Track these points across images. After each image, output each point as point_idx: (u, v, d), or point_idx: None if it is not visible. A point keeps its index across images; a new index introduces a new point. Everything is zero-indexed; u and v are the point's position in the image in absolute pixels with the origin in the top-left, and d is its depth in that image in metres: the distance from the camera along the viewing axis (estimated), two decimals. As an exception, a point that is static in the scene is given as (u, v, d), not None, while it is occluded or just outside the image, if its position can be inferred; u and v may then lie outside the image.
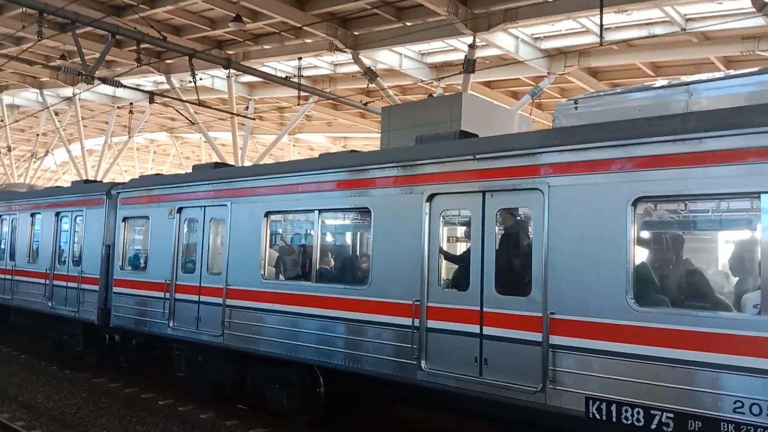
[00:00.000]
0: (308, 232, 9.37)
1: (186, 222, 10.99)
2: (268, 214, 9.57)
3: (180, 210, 11.00)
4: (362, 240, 9.20)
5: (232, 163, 25.13)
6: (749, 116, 5.53)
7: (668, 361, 5.64)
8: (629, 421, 5.83)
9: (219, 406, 10.38)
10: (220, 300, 9.92)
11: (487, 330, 6.88)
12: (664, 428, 5.63)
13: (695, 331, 5.53)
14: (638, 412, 5.79)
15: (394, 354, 7.62)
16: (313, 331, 8.59)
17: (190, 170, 12.23)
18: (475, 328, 6.96)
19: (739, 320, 5.42)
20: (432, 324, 7.34)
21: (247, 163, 27.68)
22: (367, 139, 32.05)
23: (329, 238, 9.76)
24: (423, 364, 7.33)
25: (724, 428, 5.28)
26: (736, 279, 6.00)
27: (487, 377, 6.82)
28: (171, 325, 10.73)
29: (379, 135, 10.75)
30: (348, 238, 9.93)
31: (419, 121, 10.33)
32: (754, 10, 12.88)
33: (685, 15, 15.48)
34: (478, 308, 6.96)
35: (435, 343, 7.30)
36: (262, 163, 26.86)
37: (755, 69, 6.75)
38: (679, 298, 6.02)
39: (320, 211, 8.96)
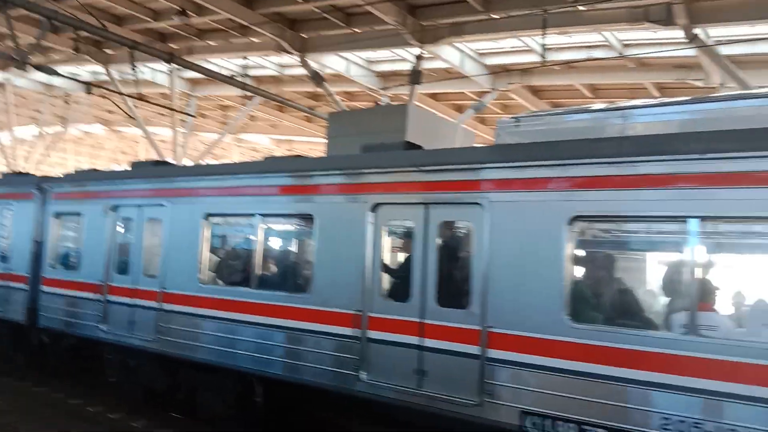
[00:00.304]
0: (249, 236, 9.22)
1: (121, 221, 10.63)
2: (207, 216, 9.37)
3: (115, 208, 10.64)
4: (305, 247, 9.12)
5: (172, 160, 24.51)
6: (680, 144, 5.79)
7: (600, 377, 5.82)
8: (562, 436, 5.98)
9: (151, 414, 10.05)
10: (155, 304, 9.63)
11: (427, 342, 6.93)
12: (596, 443, 5.80)
13: (626, 349, 5.73)
14: (571, 428, 5.95)
15: (334, 364, 7.58)
16: (251, 338, 8.44)
17: (127, 166, 11.86)
18: (415, 340, 7.01)
19: (667, 339, 5.65)
20: (373, 334, 7.34)
21: (188, 162, 27.06)
22: (313, 143, 31.84)
23: (271, 244, 9.62)
24: (363, 374, 7.32)
25: (651, 443, 5.49)
26: (665, 299, 6.26)
27: (426, 389, 6.87)
28: (103, 327, 10.35)
29: (324, 140, 10.68)
30: (290, 244, 9.83)
31: (365, 129, 10.30)
32: (686, 40, 13.51)
33: (622, 41, 16.07)
34: (419, 320, 7.01)
35: (375, 353, 7.30)
36: (203, 162, 26.32)
37: (687, 98, 7.09)
38: (612, 315, 6.23)
39: (262, 215, 8.83)
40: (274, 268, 9.27)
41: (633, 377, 5.64)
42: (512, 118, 7.38)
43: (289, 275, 8.96)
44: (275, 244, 9.77)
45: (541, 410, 6.11)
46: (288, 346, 8.08)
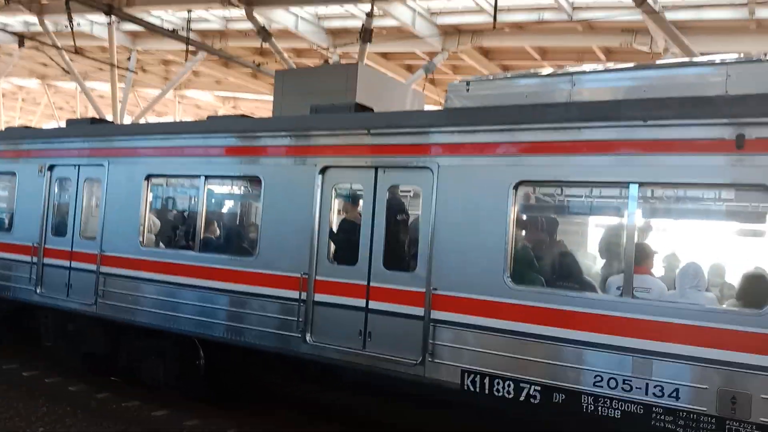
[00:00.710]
0: (193, 198, 9.02)
1: (57, 181, 10.22)
2: (149, 177, 9.10)
3: (51, 168, 10.22)
4: (251, 210, 8.99)
5: (110, 116, 23.61)
6: (623, 110, 5.90)
7: (539, 337, 6.00)
8: (500, 393, 6.17)
9: (90, 379, 9.88)
10: (93, 267, 9.36)
11: (373, 304, 6.99)
12: (532, 400, 6.01)
13: (564, 310, 5.91)
14: (509, 385, 6.14)
15: (279, 327, 7.57)
16: (195, 302, 8.34)
17: (63, 123, 11.35)
18: (361, 302, 7.06)
19: (603, 301, 5.85)
20: (319, 297, 7.35)
21: (128, 119, 26.13)
22: (259, 101, 31.17)
23: (215, 207, 9.44)
24: (308, 337, 7.35)
25: (584, 400, 5.72)
26: (603, 262, 6.47)
27: (371, 350, 6.96)
28: (38, 291, 10.03)
29: (271, 98, 10.46)
30: (236, 207, 9.67)
31: (314, 89, 10.14)
32: (634, 4, 13.70)
33: (572, 3, 16.20)
34: (365, 283, 7.05)
35: (321, 316, 7.33)
36: (144, 119, 25.47)
37: (632, 64, 7.21)
38: (552, 278, 6.41)
39: (207, 177, 8.63)
40: (218, 231, 9.12)
41: (570, 337, 5.84)
42: (462, 81, 7.36)
43: (234, 238, 8.83)
44: (220, 206, 9.60)
45: (481, 369, 6.27)
46: (233, 309, 8.02)
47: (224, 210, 9.60)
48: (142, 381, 9.34)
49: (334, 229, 7.54)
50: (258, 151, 8.18)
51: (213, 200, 9.31)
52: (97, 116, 21.69)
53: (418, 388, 6.84)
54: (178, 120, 31.19)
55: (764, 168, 5.12)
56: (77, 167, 9.89)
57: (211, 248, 8.63)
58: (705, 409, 5.20)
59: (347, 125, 7.54)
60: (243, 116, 9.05)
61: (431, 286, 6.61)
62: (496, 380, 6.21)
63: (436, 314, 6.57)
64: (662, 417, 5.36)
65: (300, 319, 7.39)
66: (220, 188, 9.50)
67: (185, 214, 9.37)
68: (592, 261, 6.65)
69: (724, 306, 5.72)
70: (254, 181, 8.33)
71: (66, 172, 10.09)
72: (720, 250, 6.21)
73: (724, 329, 5.17)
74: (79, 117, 29.55)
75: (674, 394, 5.33)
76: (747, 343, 5.06)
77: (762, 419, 4.99)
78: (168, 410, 8.77)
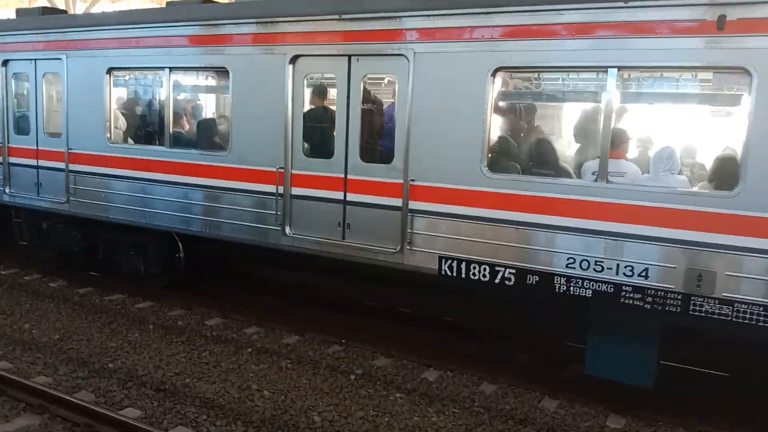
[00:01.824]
0: (159, 92, 8.70)
1: (14, 77, 9.75)
2: (111, 70, 8.72)
3: (5, 63, 9.70)
4: (221, 103, 8.73)
5: (62, 6, 22.23)
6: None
7: (514, 223, 6.14)
8: (476, 277, 6.40)
9: (70, 275, 9.95)
10: (62, 165, 9.16)
11: (351, 196, 7.02)
12: (506, 282, 6.26)
13: (539, 197, 6.02)
14: (484, 269, 6.36)
15: (258, 220, 7.61)
16: (170, 198, 8.28)
17: (7, 13, 10.63)
18: (339, 195, 7.08)
19: (578, 186, 5.96)
20: (296, 191, 7.34)
21: (81, 7, 24.62)
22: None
23: (183, 100, 9.14)
24: (288, 229, 7.42)
25: (557, 281, 5.97)
26: (579, 148, 6.52)
27: (350, 240, 7.07)
28: (7, 191, 9.83)
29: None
30: (204, 100, 9.37)
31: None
32: None
33: None
34: (343, 176, 7.04)
35: (299, 209, 7.36)
36: (97, 8, 24.03)
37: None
38: (528, 165, 6.47)
39: (171, 69, 8.29)
40: (188, 126, 8.89)
41: (545, 222, 5.99)
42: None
43: (205, 133, 8.62)
44: (188, 99, 9.29)
45: (457, 255, 6.45)
46: (209, 204, 7.99)
47: (193, 104, 9.30)
48: (122, 275, 9.45)
49: (309, 122, 7.38)
50: (223, 39, 7.82)
51: (180, 93, 9.00)
52: (49, 4, 20.38)
53: (396, 274, 7.04)
54: (133, 7, 29.44)
55: (744, 50, 5.08)
56: (34, 62, 9.40)
57: (182, 143, 8.46)
58: (672, 286, 5.48)
59: (317, 10, 7.18)
60: (205, 1, 8.55)
61: (408, 177, 6.63)
62: (472, 265, 6.41)
63: (414, 204, 6.65)
64: (631, 295, 5.64)
65: (278, 213, 7.42)
66: (186, 80, 9.17)
67: (152, 108, 9.07)
68: (568, 147, 6.70)
69: (696, 188, 5.86)
70: (221, 72, 8.03)
71: (22, 67, 9.60)
72: (695, 133, 6.29)
73: (696, 211, 5.34)
74: (28, 5, 27.69)
75: (644, 274, 5.58)
76: (716, 224, 5.25)
77: (724, 294, 5.29)
78: (151, 302, 8.98)
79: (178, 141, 8.46)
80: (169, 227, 8.45)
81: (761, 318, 5.21)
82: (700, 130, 6.24)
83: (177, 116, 8.65)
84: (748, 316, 5.25)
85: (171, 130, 8.40)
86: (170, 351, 7.32)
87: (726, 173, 5.47)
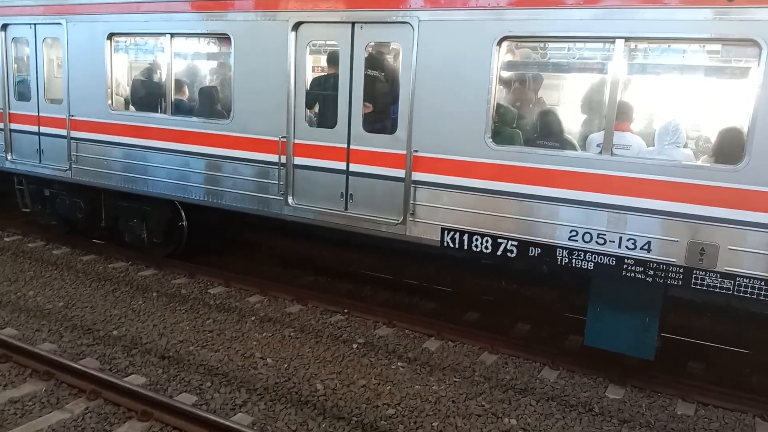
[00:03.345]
0: (160, 58, 8.60)
1: (13, 42, 9.63)
2: (111, 36, 8.61)
3: (4, 27, 9.57)
4: (223, 70, 8.63)
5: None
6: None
7: (518, 195, 6.12)
8: (479, 249, 6.41)
9: (73, 242, 10.00)
10: (63, 132, 9.12)
11: (354, 167, 6.99)
12: (509, 254, 6.26)
13: (544, 169, 5.99)
14: (487, 241, 6.36)
15: (260, 190, 7.60)
16: (171, 166, 8.26)
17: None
18: (341, 165, 7.05)
19: (582, 158, 5.92)
20: (299, 161, 7.31)
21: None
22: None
23: (185, 67, 9.04)
24: (290, 199, 7.41)
25: (559, 253, 5.98)
26: (584, 120, 6.46)
27: (353, 211, 7.07)
28: (9, 158, 9.81)
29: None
30: (206, 67, 9.25)
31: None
32: None
33: None
34: (345, 146, 7.00)
35: (302, 179, 7.34)
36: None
37: None
38: (533, 137, 6.41)
39: (172, 35, 8.19)
40: (189, 93, 8.81)
41: (548, 194, 5.96)
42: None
43: (207, 101, 8.55)
44: (190, 66, 9.18)
45: (460, 226, 6.45)
46: (211, 173, 7.97)
47: (195, 70, 9.20)
48: (125, 243, 9.49)
49: (311, 91, 7.32)
50: (225, 5, 7.69)
51: (182, 60, 8.90)
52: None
53: (399, 245, 7.06)
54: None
55: (753, 22, 4.99)
56: (33, 26, 9.28)
57: (184, 111, 8.40)
58: (674, 260, 5.48)
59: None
60: (207, -33, 8.39)
61: (412, 147, 6.59)
62: (475, 236, 6.41)
63: (417, 175, 6.62)
64: (633, 268, 5.65)
65: (281, 182, 7.41)
66: (188, 47, 9.05)
67: (153, 75, 8.98)
68: (573, 119, 6.62)
69: (701, 162, 5.82)
70: (224, 39, 7.93)
71: (21, 32, 9.47)
72: (701, 106, 6.21)
73: (700, 185, 5.32)
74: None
75: (646, 247, 5.58)
76: (720, 198, 5.23)
77: (726, 268, 5.30)
78: (155, 270, 9.04)
79: (179, 108, 8.39)
80: (170, 195, 8.44)
81: (763, 292, 5.23)
82: (706, 103, 6.16)
83: (178, 83, 8.56)
84: (749, 289, 5.26)
85: (173, 98, 8.33)
86: (174, 319, 7.39)
87: (732, 147, 5.42)
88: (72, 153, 9.10)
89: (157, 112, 8.56)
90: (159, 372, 6.06)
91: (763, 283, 5.21)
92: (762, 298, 5.25)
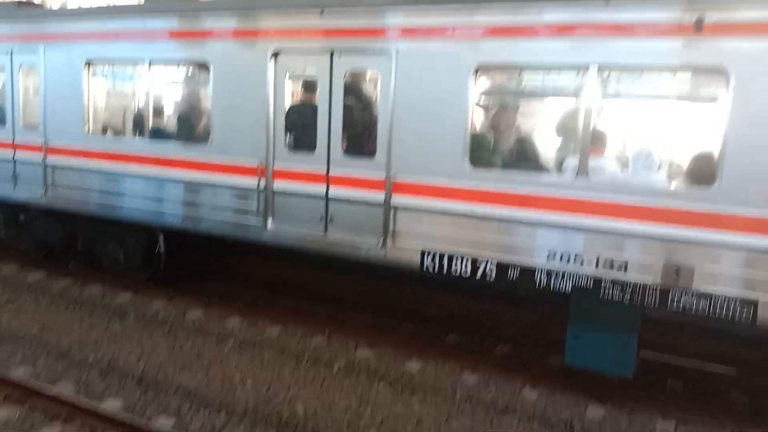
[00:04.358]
0: (138, 84, 8.61)
1: (-11, 67, 9.56)
2: (89, 62, 8.61)
3: (-20, 52, 9.51)
4: (201, 96, 8.67)
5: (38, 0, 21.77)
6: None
7: (496, 218, 6.24)
8: (458, 271, 6.49)
9: (48, 267, 9.84)
10: (39, 157, 9.03)
11: (333, 191, 7.06)
12: (487, 276, 6.35)
13: (521, 192, 6.12)
14: (466, 263, 6.45)
15: (239, 214, 7.61)
16: (149, 191, 8.24)
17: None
18: (321, 189, 7.11)
19: (559, 182, 6.07)
20: (278, 185, 7.36)
21: (57, 2, 24.09)
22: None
23: (164, 93, 9.05)
24: (269, 224, 7.43)
25: (538, 275, 6.09)
26: (560, 144, 6.63)
27: (332, 234, 7.12)
28: (-18, 183, 9.67)
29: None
30: (185, 93, 9.28)
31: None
32: None
33: None
34: (325, 170, 7.07)
35: (281, 203, 7.38)
36: (73, 3, 23.52)
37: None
38: (510, 161, 6.56)
39: (151, 61, 8.22)
40: (168, 119, 8.82)
41: (526, 217, 6.09)
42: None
43: (186, 126, 8.57)
44: (168, 93, 9.20)
45: (439, 249, 6.54)
46: (189, 197, 7.96)
47: (173, 97, 9.22)
48: (101, 268, 9.37)
49: (291, 116, 7.39)
50: (204, 34, 7.78)
51: (160, 86, 8.92)
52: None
53: (378, 268, 7.11)
54: (111, 2, 28.95)
55: (721, 51, 5.23)
56: (10, 53, 9.24)
57: (162, 136, 8.40)
58: (651, 280, 5.63)
59: (298, 4, 7.19)
60: (187, -6, 8.49)
61: (391, 171, 6.69)
62: (454, 259, 6.49)
63: (396, 199, 6.71)
64: (611, 289, 5.78)
65: (260, 207, 7.43)
66: (166, 73, 9.08)
67: (132, 101, 8.97)
68: (549, 144, 6.80)
69: (674, 185, 6.01)
70: (202, 66, 7.99)
71: (-3, 58, 9.42)
72: (674, 131, 6.43)
73: (674, 206, 5.48)
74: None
75: (623, 268, 5.72)
76: (694, 219, 5.40)
77: (702, 288, 5.45)
78: (132, 294, 8.92)
79: (158, 134, 8.40)
80: (148, 220, 8.40)
81: (738, 310, 5.38)
82: (678, 128, 6.38)
83: (157, 109, 8.58)
84: (725, 309, 5.41)
85: (151, 123, 8.34)
86: (151, 342, 7.31)
87: (703, 170, 5.61)
88: (47, 178, 9.01)
89: (135, 136, 8.55)
90: (136, 396, 5.98)
91: (738, 301, 5.37)
92: (737, 316, 5.40)
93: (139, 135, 8.47)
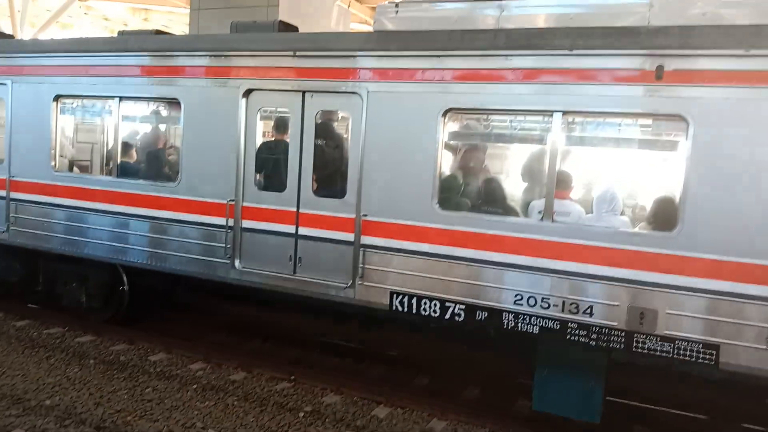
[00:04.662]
0: (108, 121, 8.55)
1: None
2: (58, 97, 8.53)
3: (-56, 86, 9.36)
4: (172, 134, 8.64)
5: (9, 28, 21.73)
6: (550, 38, 5.96)
7: (464, 260, 6.24)
8: (427, 312, 6.45)
9: (5, 306, 9.53)
10: (2, 192, 8.85)
11: (303, 230, 7.02)
12: (456, 318, 6.32)
13: (488, 234, 6.14)
14: (435, 305, 6.42)
15: (207, 253, 7.50)
16: (115, 229, 8.09)
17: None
18: (290, 229, 7.06)
19: (525, 225, 6.12)
20: (247, 224, 7.29)
21: (29, 31, 24.09)
22: (173, 14, 29.28)
23: (133, 130, 8.99)
24: (237, 263, 7.33)
25: (505, 317, 6.07)
26: (526, 188, 6.70)
27: (301, 274, 7.04)
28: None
29: (187, 10, 9.86)
30: (155, 130, 9.23)
31: (234, 2, 9.62)
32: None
33: None
34: (295, 209, 7.03)
35: (250, 242, 7.30)
36: (47, 32, 23.56)
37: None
38: (478, 203, 6.61)
39: (121, 98, 8.18)
40: (137, 156, 8.74)
41: (493, 259, 6.11)
42: (391, 3, 7.17)
43: (155, 163, 8.50)
44: (138, 129, 9.14)
45: (408, 290, 6.50)
46: (156, 236, 7.84)
47: (142, 134, 9.16)
48: (63, 308, 9.12)
49: (261, 155, 7.37)
50: (176, 71, 7.78)
51: (130, 123, 8.86)
52: (-8, 27, 19.81)
53: (348, 309, 7.03)
54: (83, 35, 29.00)
55: (680, 99, 5.37)
56: (-25, 86, 9.12)
57: (130, 174, 8.30)
58: (616, 323, 5.64)
59: (271, 46, 7.26)
60: (158, 32, 8.50)
61: (361, 212, 6.68)
62: (423, 300, 6.46)
63: (366, 239, 6.68)
64: (577, 332, 5.78)
65: (228, 246, 7.34)
66: (136, 110, 9.04)
67: (101, 137, 8.90)
68: (516, 187, 6.87)
69: (637, 229, 6.09)
70: (173, 103, 7.97)
71: (-38, 91, 9.28)
72: (636, 176, 6.55)
73: (637, 251, 5.54)
74: (-31, 27, 26.85)
75: (588, 311, 5.73)
76: (656, 264, 5.46)
77: (666, 331, 5.48)
78: (92, 336, 8.67)
79: (125, 171, 8.30)
80: (112, 258, 8.23)
81: (701, 354, 5.40)
82: (641, 172, 6.51)
83: (126, 146, 8.51)
84: (688, 352, 5.43)
85: (119, 160, 8.26)
86: (111, 387, 7.07)
87: (665, 215, 5.71)
88: (10, 215, 8.82)
89: (102, 174, 8.45)
90: (93, 445, 5.75)
91: (700, 345, 5.40)
92: (701, 360, 5.42)
93: (107, 172, 8.36)
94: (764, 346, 5.21)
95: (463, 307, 6.29)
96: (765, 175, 5.15)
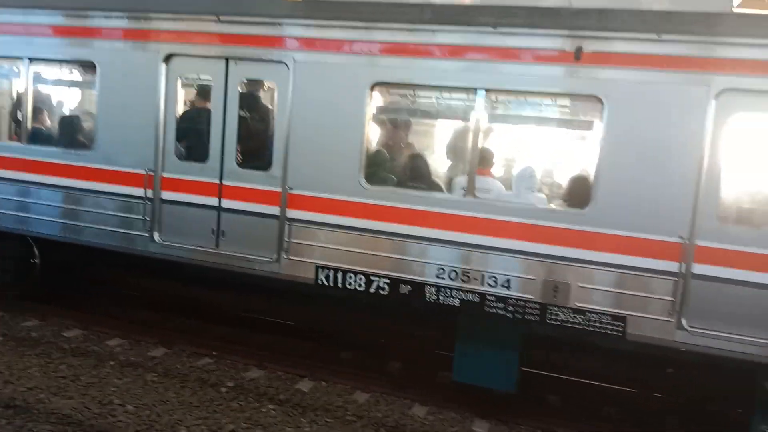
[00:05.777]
0: (17, 83, 8.03)
1: None
2: (-39, 57, 7.95)
3: None
4: (86, 98, 8.21)
5: None
6: (475, 15, 6.01)
7: (389, 234, 6.29)
8: (352, 286, 6.48)
9: None
10: None
11: (226, 203, 6.87)
12: (381, 292, 6.39)
13: (413, 209, 6.21)
14: (360, 279, 6.45)
15: (124, 226, 7.24)
16: (24, 198, 7.67)
17: None
18: (213, 201, 6.90)
19: (448, 200, 6.22)
20: (167, 195, 7.06)
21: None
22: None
23: (44, 94, 8.48)
24: (156, 236, 7.11)
25: (428, 291, 6.18)
26: (450, 164, 6.80)
27: (224, 248, 6.91)
28: None
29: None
30: (69, 95, 8.74)
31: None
32: None
33: None
34: (217, 181, 6.87)
35: (169, 215, 7.09)
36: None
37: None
38: (403, 179, 6.65)
39: (32, 59, 7.70)
40: (48, 122, 8.27)
41: (417, 234, 6.20)
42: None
43: (68, 130, 8.06)
44: (50, 93, 8.63)
45: (334, 264, 6.51)
46: (69, 206, 7.49)
47: (55, 98, 8.67)
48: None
49: (182, 124, 7.13)
50: (91, 32, 7.38)
51: (41, 86, 8.35)
52: None
53: (272, 283, 6.97)
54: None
55: (597, 80, 5.56)
56: None
57: (41, 140, 7.86)
58: (531, 296, 5.86)
59: (194, 9, 6.97)
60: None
61: (287, 185, 6.59)
62: (348, 274, 6.48)
63: (291, 213, 6.62)
64: (495, 304, 5.96)
65: (146, 218, 7.10)
66: (48, 73, 8.52)
67: (8, 101, 8.35)
68: (440, 163, 6.95)
69: (553, 206, 6.31)
70: (88, 66, 7.57)
71: None
72: (554, 155, 6.76)
73: (552, 227, 5.75)
74: None
75: (506, 284, 5.92)
76: (570, 239, 5.69)
77: (577, 304, 5.74)
78: (1, 312, 8.24)
79: (36, 137, 7.85)
80: (22, 230, 7.81)
81: (609, 326, 5.69)
82: (558, 151, 6.73)
83: (36, 111, 8.03)
84: (597, 324, 5.71)
85: (29, 126, 7.79)
86: (22, 365, 6.76)
87: (579, 192, 5.93)
88: None
89: (11, 140, 7.95)
90: (3, 423, 5.49)
91: (609, 317, 5.68)
92: (609, 332, 5.71)
93: (17, 138, 7.88)
94: (668, 318, 5.54)
95: (387, 281, 6.36)
96: (671, 156, 5.42)
